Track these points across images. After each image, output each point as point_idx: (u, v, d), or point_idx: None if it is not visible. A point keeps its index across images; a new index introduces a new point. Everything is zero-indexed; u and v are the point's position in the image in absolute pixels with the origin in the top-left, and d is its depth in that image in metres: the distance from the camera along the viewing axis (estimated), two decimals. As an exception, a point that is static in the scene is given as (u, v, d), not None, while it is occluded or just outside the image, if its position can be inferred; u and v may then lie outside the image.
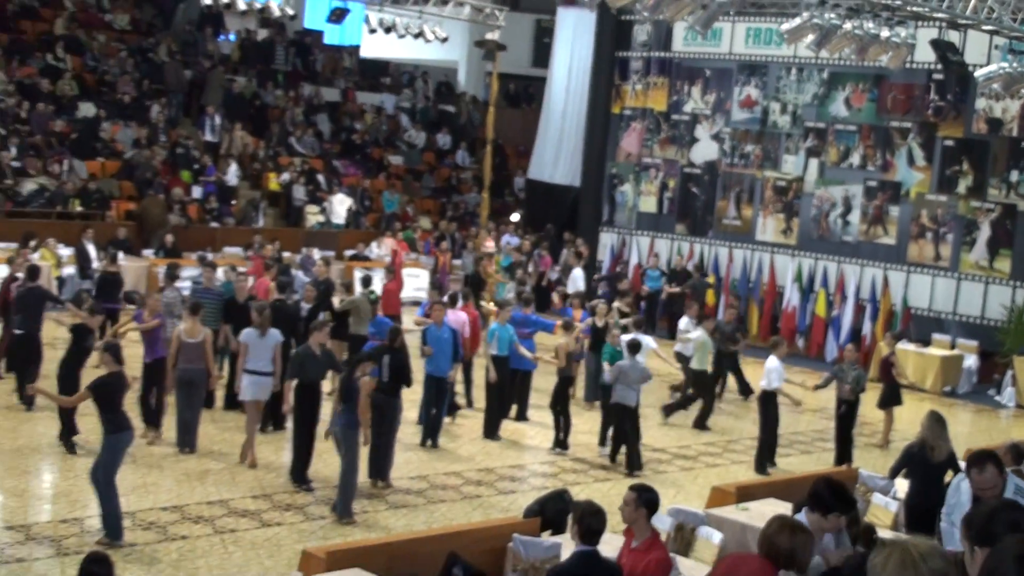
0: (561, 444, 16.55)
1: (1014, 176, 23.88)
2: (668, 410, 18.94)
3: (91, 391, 11.77)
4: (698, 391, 18.93)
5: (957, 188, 24.53)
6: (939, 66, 23.27)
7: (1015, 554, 4.14)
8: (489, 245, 27.68)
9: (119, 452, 11.57)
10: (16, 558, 10.94)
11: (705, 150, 28.13)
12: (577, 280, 25.58)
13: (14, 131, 26.29)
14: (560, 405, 16.71)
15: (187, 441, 14.66)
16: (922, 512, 10.70)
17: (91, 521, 11.93)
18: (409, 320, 19.93)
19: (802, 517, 7.35)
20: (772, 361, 15.97)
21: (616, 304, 20.89)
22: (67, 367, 14.86)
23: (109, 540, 11.26)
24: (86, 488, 12.48)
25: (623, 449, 15.92)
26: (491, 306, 22.57)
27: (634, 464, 15.66)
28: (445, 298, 18.20)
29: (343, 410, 12.98)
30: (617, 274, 26.69)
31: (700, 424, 18.48)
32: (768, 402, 16.06)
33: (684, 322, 20.20)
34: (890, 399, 18.31)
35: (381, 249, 28.19)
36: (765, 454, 16.21)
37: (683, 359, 19.49)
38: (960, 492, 9.31)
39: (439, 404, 16.25)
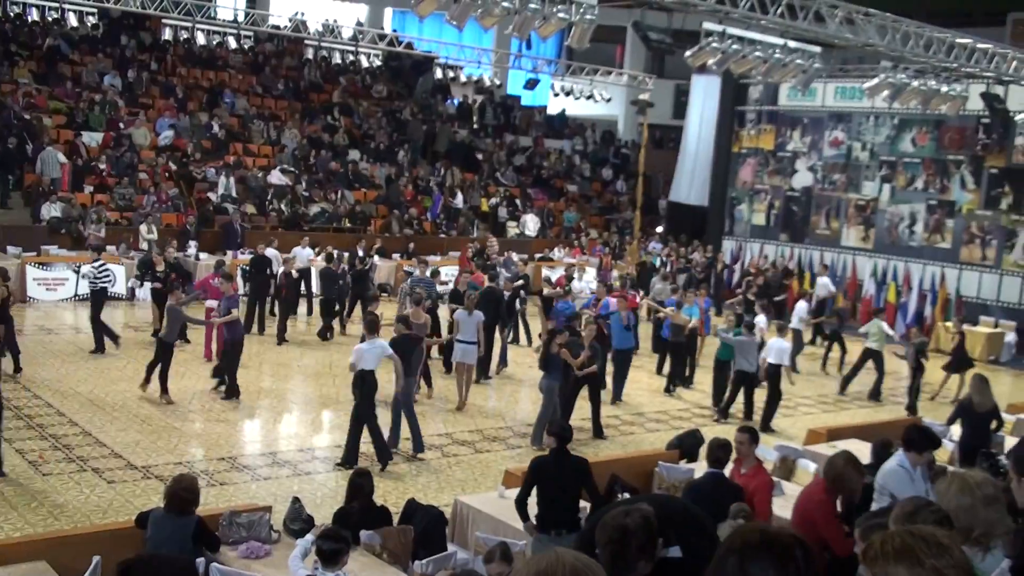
0: (682, 385, 16.48)
1: (1045, 196, 22.83)
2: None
3: (392, 346, 11.75)
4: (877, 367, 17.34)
5: (1000, 205, 23.43)
6: (987, 112, 22.18)
7: None
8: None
9: (409, 393, 11.99)
10: (305, 471, 11.25)
11: (803, 178, 27.29)
12: (828, 285, 22.88)
13: (305, 171, 27.02)
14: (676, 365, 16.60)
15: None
16: (972, 451, 10.20)
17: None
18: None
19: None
20: (779, 343, 14.52)
21: (747, 295, 20.09)
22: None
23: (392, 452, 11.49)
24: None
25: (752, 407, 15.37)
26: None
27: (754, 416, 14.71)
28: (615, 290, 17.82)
29: (544, 373, 12.80)
30: (755, 272, 24.35)
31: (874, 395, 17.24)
32: (775, 375, 14.45)
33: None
34: (961, 365, 17.29)
35: (561, 253, 28.13)
36: (771, 415, 14.53)
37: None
38: None
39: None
